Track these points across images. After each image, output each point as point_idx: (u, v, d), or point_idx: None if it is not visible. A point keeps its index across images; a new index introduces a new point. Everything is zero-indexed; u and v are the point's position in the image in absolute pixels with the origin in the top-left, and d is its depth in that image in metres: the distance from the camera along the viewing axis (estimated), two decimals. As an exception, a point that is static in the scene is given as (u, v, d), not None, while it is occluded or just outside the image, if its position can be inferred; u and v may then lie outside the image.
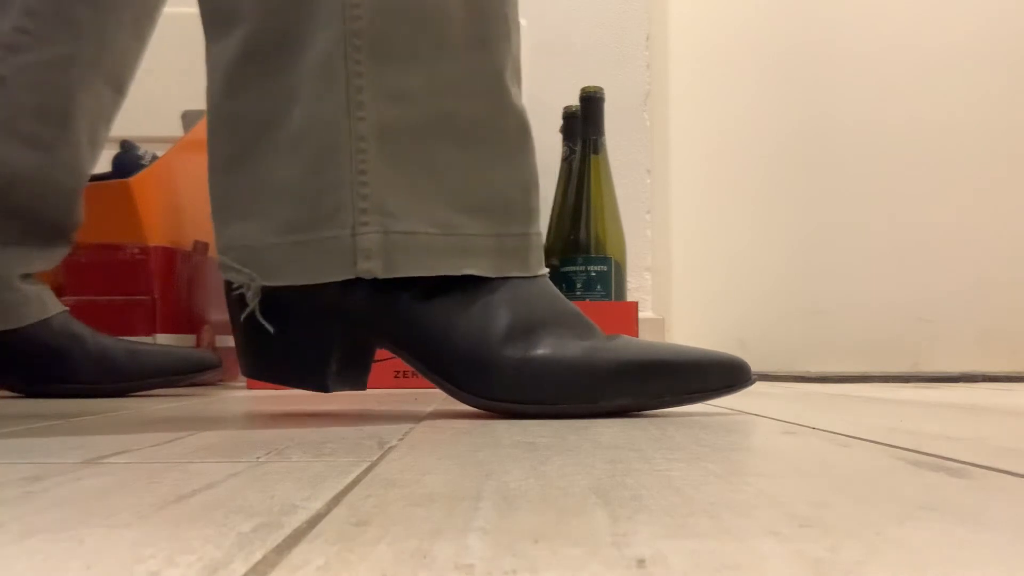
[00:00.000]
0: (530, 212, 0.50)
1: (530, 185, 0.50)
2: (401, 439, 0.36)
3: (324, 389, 0.48)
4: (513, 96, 0.49)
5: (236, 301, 0.49)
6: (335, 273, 0.46)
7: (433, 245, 0.46)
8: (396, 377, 0.87)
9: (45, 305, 0.75)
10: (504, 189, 0.49)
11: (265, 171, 0.47)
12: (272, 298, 0.48)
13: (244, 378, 1.00)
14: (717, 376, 0.48)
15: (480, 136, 0.48)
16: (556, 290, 0.50)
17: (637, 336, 0.87)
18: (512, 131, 0.49)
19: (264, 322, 0.47)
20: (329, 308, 0.47)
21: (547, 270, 0.51)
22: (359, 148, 0.46)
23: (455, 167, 0.47)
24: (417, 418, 0.47)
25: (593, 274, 0.95)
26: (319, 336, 0.48)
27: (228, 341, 1.04)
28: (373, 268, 0.46)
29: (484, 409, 0.47)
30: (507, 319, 0.47)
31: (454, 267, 0.47)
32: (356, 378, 0.51)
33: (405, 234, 0.46)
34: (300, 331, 0.48)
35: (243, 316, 0.48)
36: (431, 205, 0.47)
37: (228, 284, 0.49)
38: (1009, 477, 0.24)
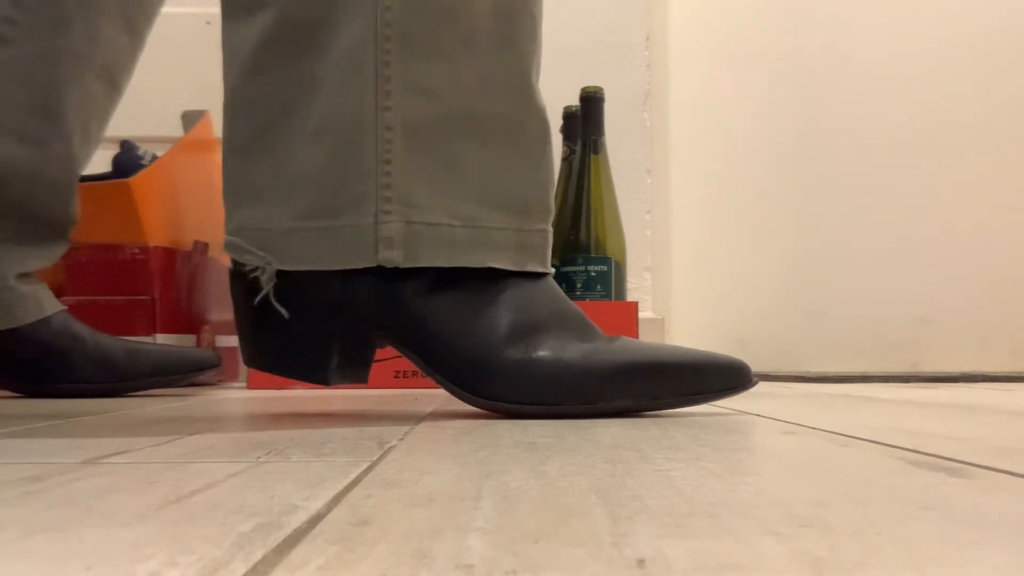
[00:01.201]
0: (548, 210, 0.51)
1: (549, 183, 0.51)
2: (401, 439, 0.36)
3: (324, 383, 0.48)
4: (537, 95, 0.50)
5: (247, 285, 0.49)
6: (356, 260, 0.46)
7: (455, 237, 0.47)
8: (396, 377, 0.87)
9: (41, 305, 0.75)
10: (525, 186, 0.49)
11: (285, 156, 0.47)
12: (276, 289, 0.48)
13: (244, 378, 1.00)
14: (717, 378, 0.48)
15: (504, 134, 0.48)
16: (559, 290, 0.50)
17: (637, 336, 0.87)
18: (534, 130, 0.50)
19: (278, 306, 0.47)
20: (333, 301, 0.47)
21: (552, 269, 0.51)
22: (385, 139, 0.46)
23: (478, 163, 0.48)
24: (417, 418, 0.47)
25: (593, 274, 0.95)
26: (322, 329, 0.48)
27: (228, 341, 1.04)
28: (394, 257, 0.46)
29: (484, 409, 0.47)
30: (509, 319, 0.47)
31: (475, 259, 0.47)
32: (357, 373, 0.51)
33: (427, 224, 0.46)
34: (303, 323, 0.48)
35: (257, 300, 0.48)
36: (454, 198, 0.47)
37: (238, 268, 0.49)
38: (1009, 477, 0.24)
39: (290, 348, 0.48)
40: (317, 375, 0.48)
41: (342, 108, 0.46)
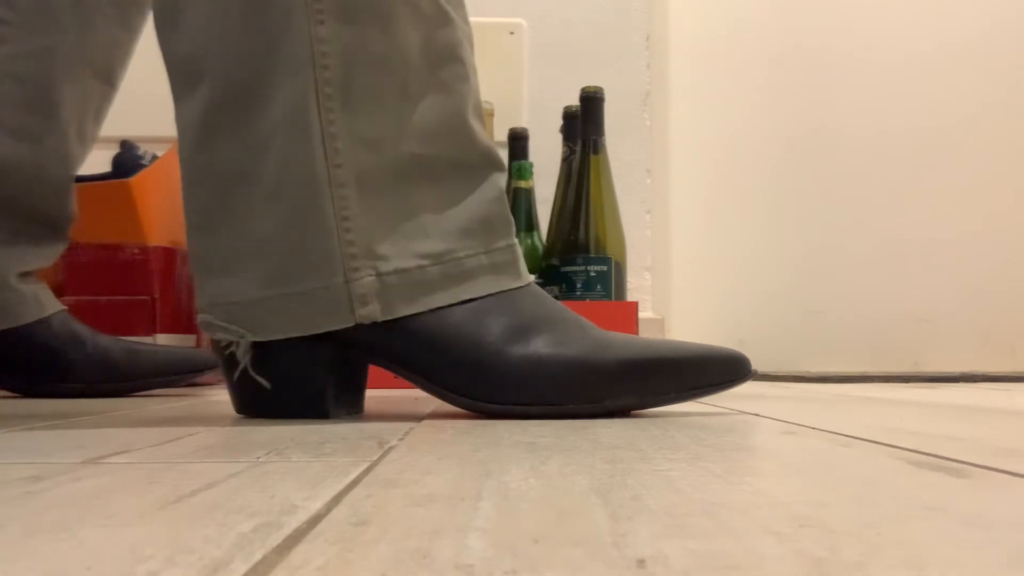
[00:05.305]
0: (508, 222, 0.51)
1: (502, 198, 0.51)
2: (401, 439, 0.36)
3: (325, 415, 0.48)
4: (476, 132, 0.50)
5: (227, 359, 0.48)
6: (332, 322, 0.46)
7: (427, 278, 0.47)
8: (396, 377, 0.87)
9: (41, 304, 0.75)
10: (482, 206, 0.49)
11: (244, 223, 0.47)
12: (261, 343, 0.47)
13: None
14: (718, 371, 0.48)
15: (451, 172, 0.48)
16: (544, 292, 0.51)
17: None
18: (479, 164, 0.50)
19: (259, 378, 0.47)
20: (321, 336, 0.47)
21: (532, 276, 0.51)
22: (340, 195, 0.45)
23: (433, 202, 0.48)
24: (417, 418, 0.47)
25: (593, 274, 0.95)
26: (314, 365, 0.47)
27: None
28: (372, 312, 0.46)
29: (489, 414, 0.47)
30: (504, 322, 0.47)
31: (452, 296, 0.47)
32: (353, 401, 0.51)
33: (397, 272, 0.46)
34: (294, 370, 0.47)
35: (236, 375, 0.48)
36: (417, 239, 0.47)
37: (216, 342, 0.49)
38: (1009, 477, 0.24)
39: (284, 395, 0.48)
40: (317, 410, 0.48)
41: (293, 169, 0.45)
